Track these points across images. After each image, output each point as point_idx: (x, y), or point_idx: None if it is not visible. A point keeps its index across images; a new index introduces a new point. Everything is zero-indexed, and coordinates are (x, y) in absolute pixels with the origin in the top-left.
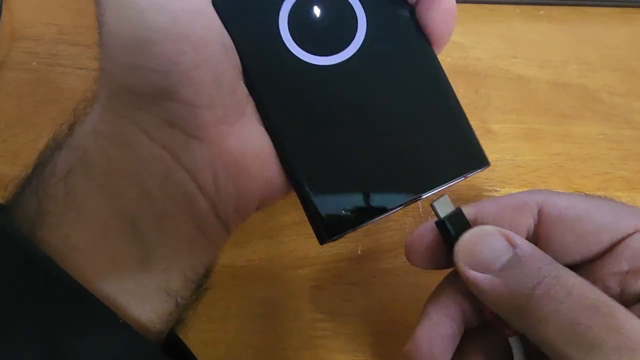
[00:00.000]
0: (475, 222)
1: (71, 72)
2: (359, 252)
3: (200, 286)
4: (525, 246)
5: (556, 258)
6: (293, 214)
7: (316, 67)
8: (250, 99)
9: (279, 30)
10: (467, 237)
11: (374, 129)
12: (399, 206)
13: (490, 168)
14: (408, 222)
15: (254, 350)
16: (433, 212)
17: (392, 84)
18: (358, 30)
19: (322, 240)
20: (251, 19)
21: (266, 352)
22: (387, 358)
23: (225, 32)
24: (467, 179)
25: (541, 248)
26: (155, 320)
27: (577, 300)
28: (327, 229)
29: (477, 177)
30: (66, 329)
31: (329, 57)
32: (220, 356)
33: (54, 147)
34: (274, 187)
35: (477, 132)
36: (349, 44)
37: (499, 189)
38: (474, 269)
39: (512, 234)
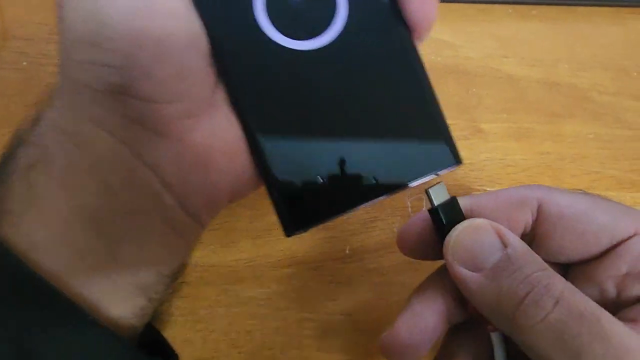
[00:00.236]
0: (471, 214)
1: None
2: (347, 252)
3: (175, 280)
4: (518, 246)
5: (553, 256)
6: None
7: (293, 52)
8: (219, 89)
9: (254, 13)
10: (458, 230)
11: (347, 120)
12: (368, 201)
13: (480, 167)
14: (396, 222)
15: (240, 350)
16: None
17: (369, 74)
18: (338, 15)
19: (288, 233)
20: (224, 0)
21: (252, 351)
22: (374, 357)
23: (192, 19)
24: (458, 179)
25: (538, 245)
26: (127, 316)
27: (565, 308)
28: (294, 221)
29: (466, 176)
30: (34, 330)
31: (307, 42)
32: (206, 356)
33: (16, 143)
34: (245, 179)
35: (468, 132)
36: (328, 29)
37: (488, 189)
38: (463, 265)
39: (505, 231)
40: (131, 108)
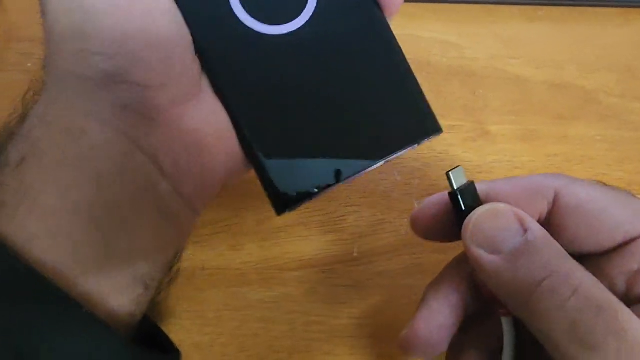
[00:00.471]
0: (487, 200)
1: None
2: (355, 254)
3: (171, 268)
4: (538, 232)
5: (565, 247)
6: (287, 216)
7: (267, 36)
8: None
9: (229, 1)
10: (479, 213)
11: (326, 98)
12: (353, 175)
13: (487, 169)
14: (404, 225)
15: (248, 353)
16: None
17: (344, 52)
18: None
19: (279, 211)
20: None
21: (260, 354)
22: None
23: (174, 6)
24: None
25: (552, 235)
26: (125, 305)
27: (582, 299)
28: (284, 199)
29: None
30: (27, 324)
31: (280, 26)
32: (214, 359)
33: (7, 137)
34: (236, 161)
35: (474, 134)
36: (300, 13)
37: None
38: (481, 248)
39: (525, 216)
40: (124, 95)
